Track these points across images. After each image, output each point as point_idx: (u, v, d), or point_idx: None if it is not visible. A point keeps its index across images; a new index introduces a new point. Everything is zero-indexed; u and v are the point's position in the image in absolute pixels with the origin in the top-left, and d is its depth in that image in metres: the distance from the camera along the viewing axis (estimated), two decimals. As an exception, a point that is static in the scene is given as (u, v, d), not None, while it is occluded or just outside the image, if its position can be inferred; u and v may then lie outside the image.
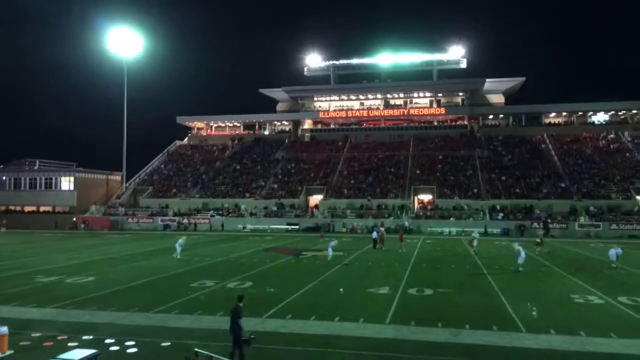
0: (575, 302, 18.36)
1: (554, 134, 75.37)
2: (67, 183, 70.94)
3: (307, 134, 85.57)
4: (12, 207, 71.20)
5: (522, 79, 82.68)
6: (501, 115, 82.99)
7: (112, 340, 13.24)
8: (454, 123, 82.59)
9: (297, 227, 58.15)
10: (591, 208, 54.87)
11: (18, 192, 71.78)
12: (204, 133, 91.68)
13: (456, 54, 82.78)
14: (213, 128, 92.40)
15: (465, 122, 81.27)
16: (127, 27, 73.28)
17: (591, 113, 79.30)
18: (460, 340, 13.42)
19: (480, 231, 52.03)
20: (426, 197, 64.15)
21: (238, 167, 75.93)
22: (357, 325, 14.86)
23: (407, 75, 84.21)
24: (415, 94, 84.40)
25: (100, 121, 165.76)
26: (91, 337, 13.61)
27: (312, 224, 58.16)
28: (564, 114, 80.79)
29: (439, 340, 13.43)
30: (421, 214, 59.40)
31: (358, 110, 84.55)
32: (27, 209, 71.39)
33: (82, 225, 62.80)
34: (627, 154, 66.88)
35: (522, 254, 26.16)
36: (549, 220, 53.05)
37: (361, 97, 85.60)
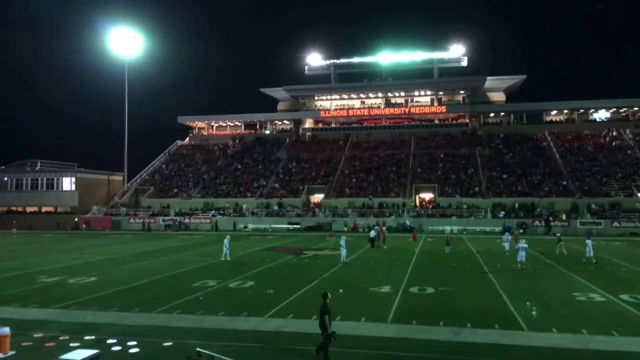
0: (577, 300, 18.34)
1: (556, 132, 75.25)
2: (68, 183, 71.03)
3: (308, 133, 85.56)
4: (14, 208, 71.34)
5: (523, 76, 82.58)
6: (502, 113, 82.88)
7: (114, 341, 13.25)
8: (455, 121, 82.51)
9: (298, 226, 58.17)
10: (593, 206, 54.81)
11: (20, 193, 71.90)
12: (205, 133, 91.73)
13: (457, 52, 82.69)
14: (214, 128, 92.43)
15: (467, 120, 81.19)
16: (128, 27, 73.40)
17: (592, 110, 79.20)
18: (462, 339, 13.42)
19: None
20: (427, 196, 64.14)
21: (239, 166, 75.96)
22: (359, 324, 14.87)
23: (408, 73, 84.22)
24: (416, 93, 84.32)
25: (102, 121, 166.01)
26: (93, 337, 13.63)
27: (313, 223, 58.19)
28: (565, 111, 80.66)
29: (441, 339, 13.42)
30: (422, 212, 59.38)
31: (359, 109, 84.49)
32: (28, 209, 71.52)
33: (84, 226, 62.92)
34: (629, 152, 66.76)
35: (522, 252, 26.17)
36: (550, 218, 53.00)
37: (362, 95, 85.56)
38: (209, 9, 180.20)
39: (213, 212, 63.47)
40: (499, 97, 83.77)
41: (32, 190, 71.79)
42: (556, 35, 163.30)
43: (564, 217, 53.28)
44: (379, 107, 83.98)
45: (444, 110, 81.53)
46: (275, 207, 62.80)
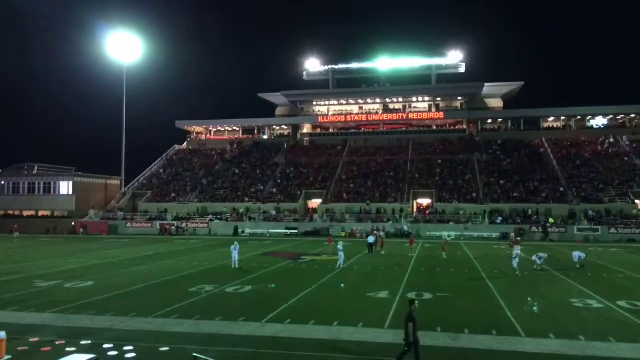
0: (575, 306, 18.34)
1: (553, 138, 75.46)
2: (65, 188, 70.85)
3: (306, 139, 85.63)
4: (11, 212, 71.11)
5: (521, 83, 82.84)
6: (500, 120, 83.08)
7: (111, 345, 13.20)
8: (452, 127, 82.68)
9: (295, 231, 58.13)
10: (590, 212, 54.91)
11: (17, 197, 71.70)
12: (203, 137, 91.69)
13: (455, 58, 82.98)
14: (212, 132, 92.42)
15: (464, 127, 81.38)
16: (126, 31, 73.52)
17: (590, 117, 79.45)
18: (459, 345, 13.41)
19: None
20: (425, 201, 64.19)
21: (237, 171, 75.94)
22: (356, 330, 14.84)
23: (406, 79, 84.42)
24: (414, 99, 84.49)
25: (99, 125, 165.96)
26: (89, 342, 13.58)
27: (311, 228, 58.16)
28: (563, 118, 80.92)
29: (438, 345, 13.41)
30: (420, 218, 59.42)
31: (357, 114, 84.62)
32: (25, 213, 71.29)
33: (81, 230, 62.78)
34: (626, 158, 66.99)
35: (516, 257, 26.38)
36: (548, 225, 53.06)
37: (360, 101, 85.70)
38: (207, 14, 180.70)
39: (210, 216, 63.39)
40: (496, 103, 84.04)
41: (29, 194, 71.59)
42: (554, 42, 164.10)
43: (551, 220, 53.33)
44: (377, 113, 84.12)
45: (442, 116, 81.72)
46: (273, 212, 62.77)
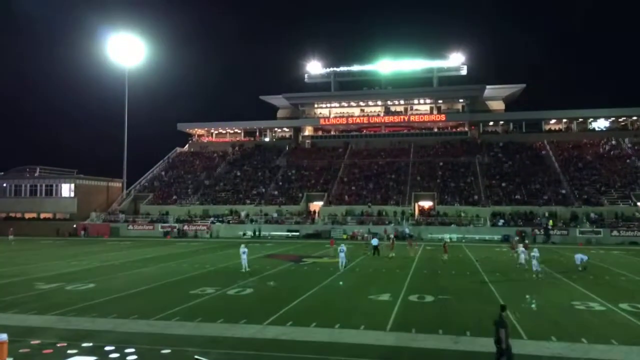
0: (577, 308, 18.30)
1: (555, 141, 75.42)
2: (67, 190, 70.95)
3: (307, 141, 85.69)
4: (13, 214, 71.18)
5: (523, 85, 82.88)
6: (501, 122, 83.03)
7: (112, 348, 13.19)
8: (454, 130, 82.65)
9: (297, 233, 58.13)
10: (592, 214, 54.83)
11: (19, 199, 71.81)
12: (204, 140, 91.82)
13: (456, 60, 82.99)
14: (214, 135, 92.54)
15: (466, 129, 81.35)
16: (128, 34, 73.65)
17: (591, 119, 79.42)
18: (461, 347, 13.38)
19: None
20: (427, 204, 64.15)
21: (238, 173, 75.98)
22: (358, 332, 14.82)
23: (407, 82, 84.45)
24: (416, 101, 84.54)
25: (101, 128, 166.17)
26: (91, 344, 13.57)
27: (312, 230, 58.15)
28: (565, 120, 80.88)
29: (440, 347, 13.38)
30: (421, 220, 59.36)
31: (358, 117, 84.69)
32: (27, 215, 71.38)
33: (82, 232, 62.85)
34: (628, 161, 66.88)
35: (522, 255, 26.53)
36: (549, 227, 52.97)
37: (362, 103, 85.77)
38: (209, 16, 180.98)
39: (212, 219, 63.42)
40: (498, 105, 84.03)
41: (31, 197, 71.70)
42: (556, 44, 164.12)
43: (550, 223, 53.22)
44: (378, 115, 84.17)
45: (444, 118, 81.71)
46: (275, 215, 62.79)
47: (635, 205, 56.16)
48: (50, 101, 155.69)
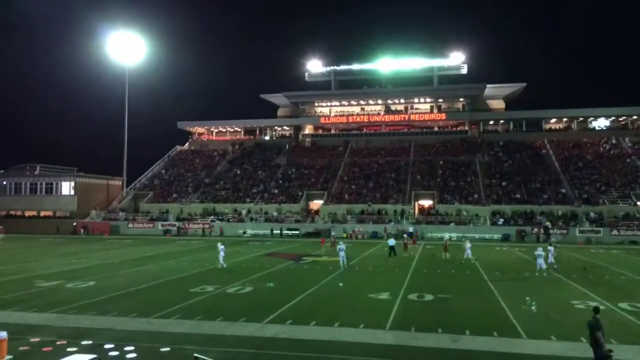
0: (576, 308, 18.31)
1: (555, 140, 75.37)
2: (67, 188, 70.96)
3: (307, 139, 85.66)
4: (13, 212, 71.21)
5: (523, 84, 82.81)
6: (502, 121, 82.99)
7: (112, 346, 13.21)
8: (454, 129, 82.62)
9: (297, 232, 58.15)
10: (591, 214, 54.84)
11: (19, 197, 71.82)
12: (204, 138, 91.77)
13: (457, 59, 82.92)
14: (214, 133, 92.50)
15: (466, 128, 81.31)
16: (128, 32, 73.57)
17: (592, 119, 79.35)
18: (460, 346, 13.38)
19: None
20: (427, 203, 64.14)
21: (238, 172, 75.98)
22: (357, 331, 14.83)
23: (407, 80, 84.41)
24: (416, 100, 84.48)
25: (101, 126, 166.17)
26: (90, 342, 13.58)
27: (312, 229, 58.17)
28: (565, 119, 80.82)
29: (439, 346, 13.39)
30: (421, 219, 59.36)
31: (359, 115, 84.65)
32: (27, 213, 71.40)
33: (82, 230, 62.88)
34: (628, 160, 66.85)
35: (540, 259, 26.78)
36: (549, 226, 52.97)
37: (362, 102, 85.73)
38: (209, 15, 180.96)
39: (212, 217, 63.44)
40: (498, 104, 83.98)
41: (31, 195, 71.72)
42: (556, 43, 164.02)
43: (547, 223, 53.23)
44: (378, 114, 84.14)
45: (444, 117, 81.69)
46: (275, 213, 62.80)
47: (635, 204, 56.15)
48: (50, 99, 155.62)
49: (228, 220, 62.30)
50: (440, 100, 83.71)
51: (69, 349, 12.78)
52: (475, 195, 61.87)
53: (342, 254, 29.58)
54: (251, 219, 61.90)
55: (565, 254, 36.33)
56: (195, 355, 11.27)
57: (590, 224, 53.25)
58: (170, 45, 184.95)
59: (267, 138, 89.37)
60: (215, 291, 21.34)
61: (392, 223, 57.38)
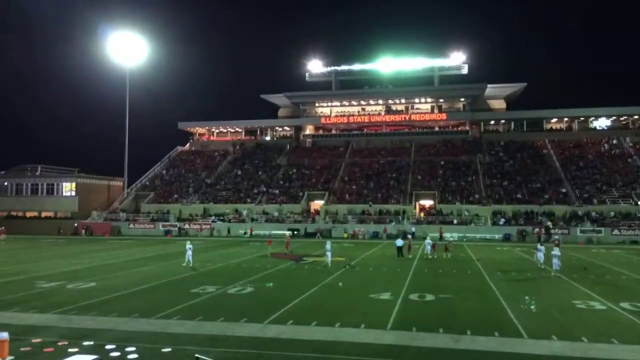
0: (577, 307, 18.29)
1: (556, 140, 75.34)
2: (68, 189, 71.04)
3: (308, 140, 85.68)
4: (14, 213, 71.29)
5: (524, 84, 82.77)
6: (502, 121, 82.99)
7: (113, 346, 13.20)
8: (455, 129, 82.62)
9: (298, 232, 58.13)
10: (593, 213, 54.80)
11: (20, 198, 71.91)
12: (205, 139, 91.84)
13: (457, 59, 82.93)
14: (214, 133, 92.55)
15: (467, 128, 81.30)
16: (128, 32, 73.62)
17: (593, 118, 79.31)
18: (461, 347, 13.37)
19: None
20: (427, 203, 64.13)
21: (239, 172, 76.00)
22: (358, 331, 14.82)
23: (408, 81, 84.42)
24: (417, 100, 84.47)
25: (102, 126, 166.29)
26: (92, 342, 13.58)
27: (313, 229, 58.17)
28: (566, 119, 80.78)
29: (441, 346, 13.37)
30: (422, 219, 59.33)
31: (359, 115, 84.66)
32: (28, 214, 71.47)
33: (84, 231, 62.92)
34: (629, 160, 66.82)
35: (556, 259, 26.95)
36: (550, 226, 52.94)
37: (362, 102, 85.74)
38: (210, 15, 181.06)
39: (213, 217, 63.48)
40: (499, 104, 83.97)
41: (32, 195, 71.83)
42: (557, 43, 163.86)
43: (548, 223, 53.19)
44: (379, 114, 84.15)
45: (445, 117, 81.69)
46: (275, 213, 62.81)
47: (637, 204, 56.13)
48: (51, 100, 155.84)
49: (229, 221, 62.33)
50: (441, 100, 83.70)
51: (70, 350, 12.78)
52: (476, 195, 61.85)
53: (329, 253, 30.03)
54: (252, 220, 61.90)
55: (567, 253, 36.28)
56: (197, 355, 11.27)
57: (591, 224, 53.21)
58: (171, 46, 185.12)
59: (267, 138, 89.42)
60: (216, 292, 21.33)
61: (393, 223, 57.37)
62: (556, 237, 35.75)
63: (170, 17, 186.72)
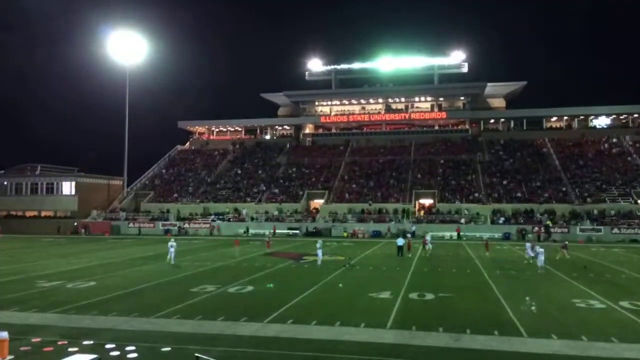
0: (577, 306, 18.30)
1: (556, 138, 75.30)
2: (68, 188, 70.97)
3: (308, 139, 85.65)
4: (14, 212, 71.23)
5: (524, 83, 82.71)
6: (502, 120, 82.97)
7: (113, 346, 13.21)
8: (455, 127, 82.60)
9: (297, 231, 58.15)
10: (593, 212, 54.79)
11: (19, 197, 71.85)
12: (205, 138, 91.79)
13: (457, 58, 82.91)
14: (214, 133, 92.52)
15: (467, 127, 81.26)
16: (128, 31, 73.57)
17: (592, 117, 79.29)
18: (461, 345, 13.38)
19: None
20: (427, 201, 64.13)
21: (239, 171, 75.99)
22: (358, 330, 14.82)
23: (408, 79, 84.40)
24: (417, 98, 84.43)
25: (102, 126, 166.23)
26: (91, 342, 13.59)
27: (313, 228, 58.17)
28: (565, 118, 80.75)
29: (440, 345, 13.38)
30: (422, 218, 59.34)
31: (359, 114, 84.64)
32: (28, 214, 71.42)
33: (83, 230, 62.92)
34: (629, 158, 66.82)
35: (537, 254, 27.16)
36: (550, 225, 52.94)
37: (362, 101, 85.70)
38: (209, 14, 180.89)
39: (213, 216, 63.47)
40: (499, 103, 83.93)
41: (31, 195, 71.74)
42: (557, 41, 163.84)
43: (548, 222, 53.21)
44: (379, 113, 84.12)
45: (444, 116, 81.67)
46: (275, 213, 62.81)
47: (636, 202, 56.13)
48: (50, 99, 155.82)
49: (229, 220, 62.33)
50: (441, 98, 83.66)
51: (70, 349, 12.78)
52: (476, 194, 61.85)
53: (319, 252, 30.30)
54: (252, 219, 61.90)
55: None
56: (197, 355, 11.27)
57: (591, 223, 53.21)
58: (171, 45, 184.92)
59: (267, 137, 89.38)
60: (216, 291, 21.34)
61: (393, 222, 57.37)
62: (566, 241, 35.62)
63: (169, 16, 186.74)
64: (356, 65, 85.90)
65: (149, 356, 12.53)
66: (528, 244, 32.08)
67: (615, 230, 51.34)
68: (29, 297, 20.06)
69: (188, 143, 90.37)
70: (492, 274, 26.53)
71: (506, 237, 52.50)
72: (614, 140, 72.51)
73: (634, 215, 54.02)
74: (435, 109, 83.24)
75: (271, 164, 77.35)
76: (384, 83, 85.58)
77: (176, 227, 61.79)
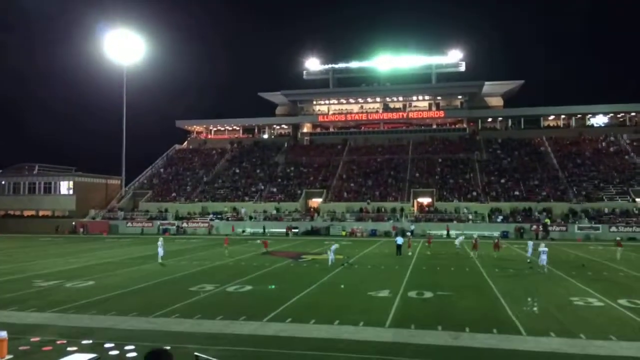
0: (575, 304, 18.35)
1: (553, 137, 75.37)
2: (66, 187, 70.83)
3: (306, 138, 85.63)
4: (11, 212, 71.08)
5: (521, 81, 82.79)
6: (500, 118, 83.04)
7: (112, 345, 13.21)
8: (453, 126, 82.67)
9: (296, 230, 58.13)
10: (590, 210, 54.92)
11: (17, 197, 71.68)
12: (203, 137, 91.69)
13: (455, 57, 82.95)
14: (212, 132, 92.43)
15: (465, 125, 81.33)
16: (126, 30, 73.42)
17: (590, 115, 79.38)
18: (460, 344, 13.40)
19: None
20: (425, 200, 64.17)
21: (237, 170, 75.94)
22: (357, 329, 14.84)
23: (406, 78, 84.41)
24: (414, 97, 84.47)
25: (100, 125, 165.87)
26: (90, 341, 13.58)
27: (311, 227, 58.16)
28: (563, 116, 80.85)
29: (439, 344, 13.40)
30: (420, 216, 59.40)
31: (357, 113, 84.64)
32: (26, 213, 71.28)
33: (81, 230, 62.82)
34: (626, 157, 66.95)
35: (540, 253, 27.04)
36: (548, 223, 53.03)
37: (360, 100, 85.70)
38: (207, 13, 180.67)
39: (211, 216, 63.42)
40: (497, 102, 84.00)
41: (29, 194, 71.57)
42: (554, 40, 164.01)
43: (546, 220, 53.29)
44: (377, 112, 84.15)
45: (442, 115, 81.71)
46: (274, 212, 62.78)
47: (634, 201, 56.26)
48: (48, 99, 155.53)
49: (227, 219, 62.30)
50: (439, 97, 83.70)
51: (69, 349, 12.77)
52: (474, 193, 61.92)
53: (331, 253, 30.04)
54: (250, 218, 61.86)
55: (564, 250, 36.39)
56: (196, 354, 11.24)
57: (589, 221, 53.32)
58: (169, 44, 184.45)
59: (265, 136, 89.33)
60: (215, 290, 21.34)
61: (392, 221, 57.41)
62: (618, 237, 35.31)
63: (167, 15, 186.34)
64: (354, 64, 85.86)
65: (148, 355, 12.50)
66: (530, 242, 31.73)
67: (613, 229, 51.44)
68: (27, 297, 20.04)
69: (186, 142, 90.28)
70: (491, 272, 26.56)
71: (504, 235, 52.53)
72: (612, 138, 72.62)
73: (631, 213, 54.15)
74: (433, 108, 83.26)
75: (269, 163, 77.32)
76: (381, 82, 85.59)
77: (174, 227, 61.70)
